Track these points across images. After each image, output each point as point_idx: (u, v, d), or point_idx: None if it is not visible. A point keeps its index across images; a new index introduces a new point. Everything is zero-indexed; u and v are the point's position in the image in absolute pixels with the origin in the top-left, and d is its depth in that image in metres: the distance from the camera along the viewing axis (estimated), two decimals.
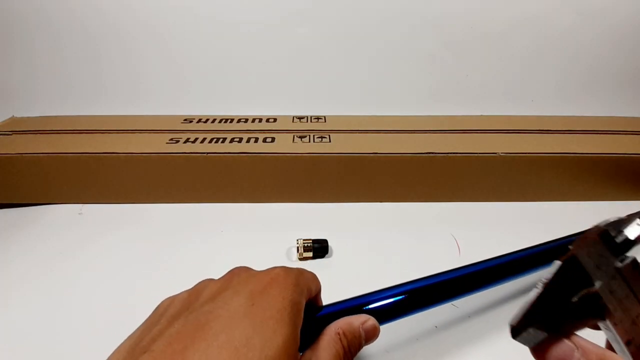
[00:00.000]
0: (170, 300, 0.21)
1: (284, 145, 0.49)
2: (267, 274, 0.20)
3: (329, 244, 0.42)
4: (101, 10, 0.63)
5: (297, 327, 0.19)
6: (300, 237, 0.41)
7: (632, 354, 0.15)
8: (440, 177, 0.49)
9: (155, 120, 0.57)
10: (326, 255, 0.41)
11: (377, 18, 0.64)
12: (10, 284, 0.38)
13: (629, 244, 0.15)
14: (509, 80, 0.69)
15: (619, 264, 0.15)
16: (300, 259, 0.41)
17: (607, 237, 0.16)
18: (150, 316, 0.21)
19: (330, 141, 0.51)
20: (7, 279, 0.39)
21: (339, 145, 0.49)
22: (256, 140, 0.50)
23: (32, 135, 0.52)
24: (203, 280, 0.22)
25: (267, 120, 0.58)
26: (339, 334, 0.21)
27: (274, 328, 0.17)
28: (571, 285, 0.16)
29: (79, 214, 0.48)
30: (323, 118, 0.59)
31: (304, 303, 0.21)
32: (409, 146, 0.49)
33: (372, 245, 0.43)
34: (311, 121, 0.58)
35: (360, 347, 0.22)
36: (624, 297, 0.15)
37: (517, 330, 0.16)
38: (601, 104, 0.67)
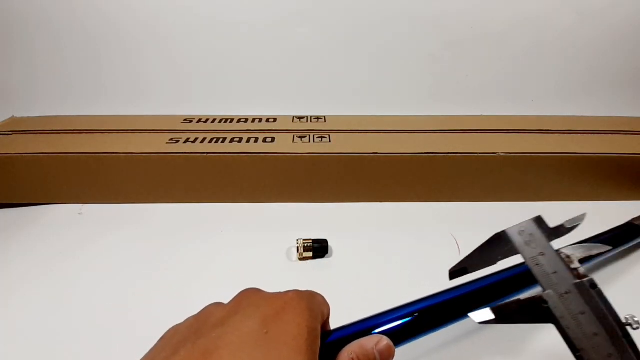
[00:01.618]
0: (176, 329, 0.20)
1: (284, 145, 0.49)
2: (280, 298, 0.19)
3: (329, 244, 0.42)
4: (101, 10, 0.63)
5: (315, 355, 0.18)
6: (300, 237, 0.41)
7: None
8: (440, 177, 0.49)
9: (155, 120, 0.57)
10: (326, 255, 0.41)
11: (377, 18, 0.64)
12: (10, 284, 0.38)
13: (564, 231, 0.21)
14: (509, 80, 0.69)
15: (548, 250, 0.20)
16: (300, 259, 0.41)
17: (541, 221, 0.21)
18: (154, 345, 0.20)
19: (330, 141, 0.51)
20: (7, 279, 0.39)
21: (339, 145, 0.49)
22: (256, 140, 0.50)
23: (32, 135, 0.52)
24: (210, 305, 0.21)
25: (267, 120, 0.58)
26: (352, 358, 0.20)
27: (288, 356, 0.16)
28: (499, 249, 0.21)
29: (79, 214, 0.48)
30: (323, 118, 0.59)
31: (320, 329, 0.19)
32: (409, 146, 0.49)
33: (372, 245, 0.43)
34: (311, 121, 0.58)
35: None
36: (550, 273, 0.20)
37: (453, 274, 0.22)
38: (601, 104, 0.67)
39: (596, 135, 0.54)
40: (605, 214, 0.41)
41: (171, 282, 0.38)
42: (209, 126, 0.55)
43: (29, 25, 0.64)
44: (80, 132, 0.53)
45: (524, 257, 0.20)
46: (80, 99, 0.66)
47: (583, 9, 0.64)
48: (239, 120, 0.57)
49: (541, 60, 0.67)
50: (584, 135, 0.54)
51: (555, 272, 0.19)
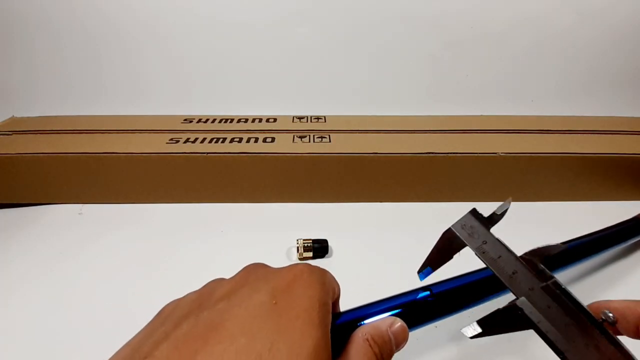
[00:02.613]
0: (176, 303, 0.18)
1: (284, 145, 0.49)
2: (289, 271, 0.18)
3: (329, 244, 0.42)
4: (101, 10, 0.63)
5: (328, 329, 0.16)
6: (300, 237, 0.41)
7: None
8: (440, 177, 0.49)
9: (155, 120, 0.57)
10: (326, 255, 0.41)
11: (377, 18, 0.64)
12: (10, 284, 0.38)
13: (497, 218, 0.23)
14: (509, 80, 0.69)
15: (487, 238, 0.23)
16: (300, 259, 0.41)
17: (476, 213, 0.24)
18: (151, 321, 0.18)
19: (330, 141, 0.51)
20: (7, 279, 0.39)
21: (339, 145, 0.49)
22: (256, 140, 0.50)
23: (32, 135, 0.52)
24: (213, 280, 0.20)
25: (267, 120, 0.58)
26: (367, 340, 0.18)
27: (302, 330, 0.15)
28: (449, 245, 0.23)
29: (79, 214, 0.48)
30: (323, 118, 0.59)
31: (331, 305, 0.18)
32: (409, 146, 0.49)
33: (372, 245, 0.43)
34: (311, 121, 0.58)
35: (392, 353, 0.19)
36: (496, 258, 0.22)
37: (420, 269, 0.24)
38: (601, 104, 0.67)
39: (596, 135, 0.54)
40: (605, 214, 0.41)
41: (171, 282, 0.38)
42: (209, 126, 0.55)
43: (29, 25, 0.64)
44: (80, 132, 0.53)
45: (471, 248, 0.22)
46: (80, 99, 0.66)
47: (583, 9, 0.64)
48: (239, 120, 0.57)
49: (541, 60, 0.67)
50: (584, 135, 0.54)
51: (500, 257, 0.21)
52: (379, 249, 0.42)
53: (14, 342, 0.32)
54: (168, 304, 0.19)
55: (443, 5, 0.63)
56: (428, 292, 0.24)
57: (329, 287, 0.19)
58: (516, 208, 0.54)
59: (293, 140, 0.51)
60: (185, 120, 0.57)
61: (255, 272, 0.19)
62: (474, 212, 0.24)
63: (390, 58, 0.67)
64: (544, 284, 0.19)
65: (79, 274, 0.39)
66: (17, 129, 0.54)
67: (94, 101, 0.66)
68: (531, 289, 0.20)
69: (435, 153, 0.48)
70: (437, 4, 0.63)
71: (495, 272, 0.21)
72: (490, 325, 0.20)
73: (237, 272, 0.20)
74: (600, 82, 0.68)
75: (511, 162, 0.48)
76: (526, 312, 0.19)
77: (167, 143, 0.49)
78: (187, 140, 0.50)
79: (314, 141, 0.50)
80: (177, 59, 0.66)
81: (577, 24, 0.64)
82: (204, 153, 0.47)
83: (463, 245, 0.23)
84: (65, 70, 0.66)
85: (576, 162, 0.49)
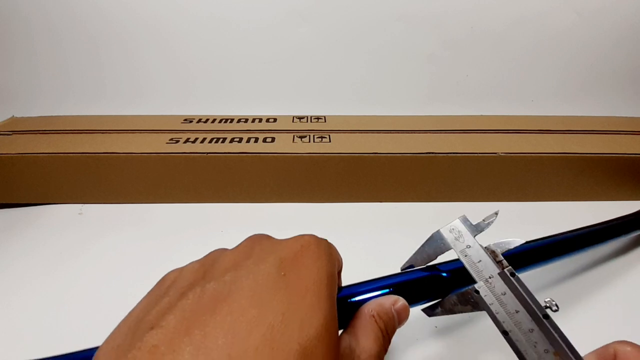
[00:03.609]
0: (178, 272, 0.18)
1: (284, 145, 0.49)
2: (296, 242, 0.18)
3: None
4: (101, 10, 0.63)
5: (335, 301, 0.17)
6: None
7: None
8: (440, 177, 0.49)
9: (155, 120, 0.57)
10: None
11: (377, 18, 0.64)
12: (10, 284, 0.38)
13: (484, 226, 0.25)
14: (508, 80, 0.69)
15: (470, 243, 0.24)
16: None
17: (465, 220, 0.26)
18: (152, 289, 0.18)
19: (330, 141, 0.51)
20: (7, 279, 0.39)
21: (339, 145, 0.49)
22: (256, 140, 0.50)
23: (32, 135, 0.52)
24: (215, 250, 0.19)
25: (267, 120, 0.58)
26: (373, 316, 0.19)
27: (312, 302, 0.15)
28: (435, 246, 0.25)
29: (79, 214, 0.48)
30: (323, 118, 0.59)
31: (337, 277, 0.19)
32: (409, 146, 0.49)
33: (372, 245, 0.43)
34: (311, 121, 0.58)
35: (394, 329, 0.20)
36: (476, 262, 0.24)
37: (403, 267, 0.26)
38: (601, 104, 0.67)
39: (596, 135, 0.54)
40: (605, 214, 0.41)
41: None
42: (209, 126, 0.55)
43: (29, 25, 0.64)
44: (80, 132, 0.53)
45: (455, 251, 0.25)
46: (80, 99, 0.67)
47: (583, 9, 0.64)
48: (239, 120, 0.57)
49: (541, 60, 0.67)
50: (584, 135, 0.54)
51: (480, 261, 0.23)
52: (378, 249, 0.42)
53: (14, 342, 0.32)
54: (169, 273, 0.19)
55: (443, 5, 0.63)
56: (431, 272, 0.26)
57: (334, 259, 0.19)
58: (516, 208, 0.54)
59: (293, 140, 0.51)
60: (185, 120, 0.57)
61: (260, 242, 0.18)
62: (464, 219, 0.26)
63: (390, 58, 0.67)
64: (501, 271, 0.23)
65: (79, 274, 0.39)
66: (17, 129, 0.54)
67: (94, 101, 0.66)
68: (490, 277, 0.23)
69: (435, 153, 0.48)
70: (438, 4, 0.63)
71: (470, 270, 0.24)
72: (449, 306, 0.24)
73: (240, 243, 0.19)
74: (600, 82, 0.68)
75: (511, 162, 0.48)
76: (482, 294, 0.22)
77: (167, 143, 0.49)
78: (187, 140, 0.50)
79: (314, 141, 0.50)
80: (177, 59, 0.66)
81: (577, 24, 0.64)
82: (204, 153, 0.47)
83: (448, 248, 0.25)
84: (66, 70, 0.66)
85: (576, 162, 0.49)
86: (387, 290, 0.23)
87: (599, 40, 0.65)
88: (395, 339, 0.32)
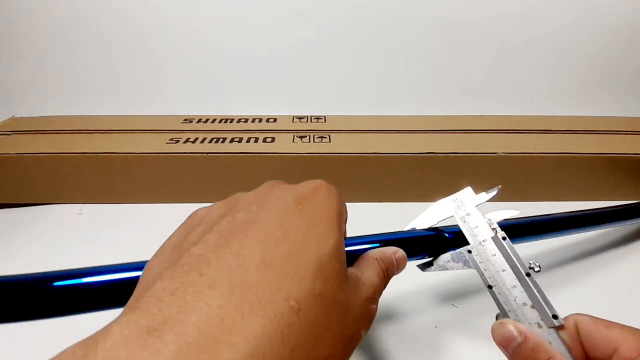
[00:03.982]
0: (207, 209, 0.21)
1: (284, 145, 0.49)
2: (310, 184, 0.21)
3: None
4: (102, 10, 0.63)
5: (342, 235, 0.19)
6: None
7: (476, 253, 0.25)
8: (440, 177, 0.49)
9: (155, 120, 0.57)
10: None
11: (377, 18, 0.64)
12: None
13: (485, 197, 0.28)
14: (509, 80, 0.69)
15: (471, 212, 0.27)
16: None
17: (469, 192, 0.28)
18: (184, 223, 0.21)
19: (330, 141, 0.51)
20: None
21: (339, 145, 0.49)
22: (256, 140, 0.50)
23: (32, 135, 0.52)
24: (236, 193, 0.22)
25: (267, 120, 0.58)
26: (377, 259, 0.22)
27: (325, 230, 0.18)
28: (437, 212, 0.29)
29: (79, 214, 0.48)
30: (323, 118, 0.59)
31: (345, 217, 0.22)
32: (409, 146, 0.49)
33: None
34: (311, 121, 0.58)
35: (392, 273, 0.23)
36: (473, 227, 0.26)
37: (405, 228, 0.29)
38: (601, 104, 0.67)
39: (596, 135, 0.54)
40: None
41: None
42: (209, 126, 0.55)
43: (29, 25, 0.64)
44: (80, 132, 0.53)
45: (455, 217, 0.27)
46: (80, 99, 0.67)
47: (583, 9, 0.64)
48: (239, 120, 0.57)
49: (541, 60, 0.67)
50: (584, 135, 0.54)
51: (477, 227, 0.26)
52: None
53: (14, 342, 0.32)
54: (197, 210, 0.21)
55: (443, 5, 0.63)
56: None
57: (343, 203, 0.22)
58: (516, 208, 0.54)
59: (293, 140, 0.51)
60: (185, 120, 0.57)
61: (277, 186, 0.21)
62: (467, 191, 0.28)
63: (390, 58, 0.67)
64: (494, 235, 0.25)
65: None
66: (17, 129, 0.54)
67: (94, 101, 0.66)
68: (484, 240, 0.25)
69: (435, 153, 0.48)
70: (438, 4, 0.63)
71: (466, 234, 0.26)
72: (444, 262, 0.26)
73: (256, 189, 0.22)
74: (600, 82, 0.68)
75: (511, 162, 0.48)
76: (474, 254, 0.25)
77: (167, 143, 0.49)
78: (187, 140, 0.50)
79: (314, 141, 0.50)
80: (177, 59, 0.66)
81: (577, 24, 0.64)
82: (204, 153, 0.47)
83: (449, 215, 0.28)
84: (66, 71, 0.66)
85: (576, 162, 0.49)
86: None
87: (599, 40, 0.65)
88: (396, 339, 0.32)
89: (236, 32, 0.65)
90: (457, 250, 0.26)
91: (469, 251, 0.25)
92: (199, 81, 0.68)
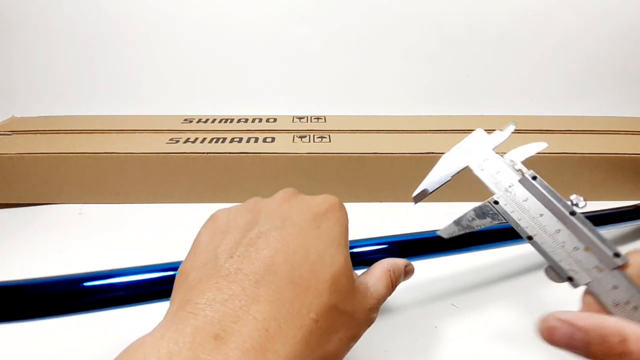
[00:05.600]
0: (227, 213, 0.23)
1: (284, 145, 0.49)
2: (324, 201, 0.23)
3: None
4: (102, 10, 0.63)
5: (348, 249, 0.22)
6: None
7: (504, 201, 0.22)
8: None
9: (155, 120, 0.57)
10: None
11: (376, 18, 0.64)
12: None
13: (501, 137, 0.24)
14: (509, 80, 0.69)
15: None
16: None
17: (482, 134, 0.24)
18: (208, 226, 0.23)
19: (330, 141, 0.51)
20: (6, 279, 0.38)
21: (339, 145, 0.49)
22: (256, 140, 0.50)
23: (32, 135, 0.52)
24: (252, 199, 0.25)
25: (267, 120, 0.58)
26: (389, 270, 0.24)
27: (337, 249, 0.20)
28: (449, 166, 0.25)
29: (79, 214, 0.48)
30: (323, 118, 0.59)
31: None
32: (409, 146, 0.49)
33: None
34: (311, 121, 0.58)
35: (399, 283, 0.25)
36: (494, 174, 0.23)
37: (416, 197, 0.27)
38: (601, 104, 0.67)
39: (596, 135, 0.54)
40: None
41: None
42: (209, 126, 0.55)
43: (29, 26, 0.64)
44: (80, 132, 0.53)
45: (471, 167, 0.23)
46: (80, 99, 0.67)
47: (583, 9, 0.64)
48: (239, 120, 0.57)
49: (541, 60, 0.67)
50: (584, 135, 0.54)
51: (498, 172, 0.22)
52: None
53: (14, 342, 0.32)
54: (218, 212, 0.24)
55: (443, 5, 0.63)
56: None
57: (347, 217, 0.24)
58: None
59: (293, 140, 0.51)
60: (185, 120, 0.57)
61: (295, 197, 0.24)
62: (479, 132, 0.24)
63: (390, 58, 0.67)
64: (522, 177, 0.22)
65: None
66: (17, 129, 0.54)
67: (95, 101, 0.66)
68: (510, 185, 0.22)
69: (435, 153, 0.48)
70: (438, 4, 0.63)
71: (487, 184, 0.22)
72: (466, 223, 0.23)
73: (275, 195, 0.25)
74: (600, 82, 0.68)
75: None
76: (502, 204, 0.21)
77: (167, 143, 0.49)
78: (187, 140, 0.50)
79: (314, 141, 0.50)
80: (177, 59, 0.66)
81: (577, 24, 0.64)
82: (204, 153, 0.47)
83: (462, 166, 0.24)
84: (66, 70, 0.66)
85: (576, 162, 0.48)
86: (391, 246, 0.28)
87: (599, 40, 0.65)
88: (396, 338, 0.32)
89: (236, 32, 0.65)
90: (481, 204, 0.22)
91: (496, 202, 0.22)
92: (199, 81, 0.68)
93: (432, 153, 0.48)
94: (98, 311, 0.24)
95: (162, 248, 0.43)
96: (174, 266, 0.23)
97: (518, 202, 0.21)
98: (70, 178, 0.48)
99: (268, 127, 0.55)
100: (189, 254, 0.22)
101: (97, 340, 0.31)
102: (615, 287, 0.17)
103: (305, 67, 0.67)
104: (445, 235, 0.24)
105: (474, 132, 0.24)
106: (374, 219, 0.48)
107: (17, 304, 0.23)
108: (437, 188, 0.26)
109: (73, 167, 0.47)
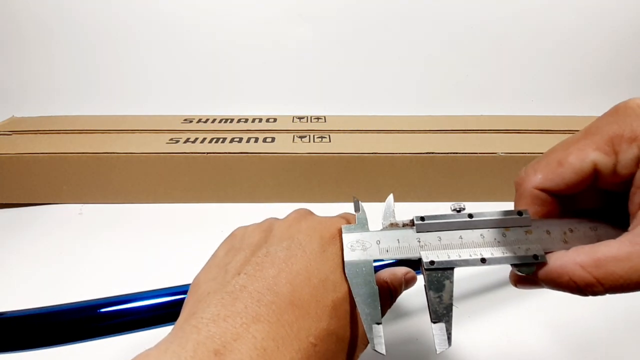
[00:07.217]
0: (244, 230, 0.24)
1: (284, 145, 0.49)
2: (332, 225, 0.23)
3: None
4: (101, 10, 0.63)
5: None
6: None
7: None
8: (440, 177, 0.49)
9: (155, 120, 0.57)
10: None
11: (376, 18, 0.64)
12: (10, 284, 0.38)
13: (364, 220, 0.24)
14: (509, 80, 0.69)
15: None
16: None
17: (351, 228, 0.23)
18: (227, 242, 0.24)
19: (330, 141, 0.51)
20: (7, 279, 0.39)
21: (339, 145, 0.49)
22: (256, 140, 0.50)
23: (32, 135, 0.52)
24: (269, 218, 0.25)
25: (267, 120, 0.58)
26: (386, 281, 0.24)
27: (341, 276, 0.20)
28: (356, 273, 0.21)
29: (79, 214, 0.48)
30: (323, 118, 0.59)
31: None
32: (409, 146, 0.49)
33: None
34: (311, 121, 0.58)
35: (399, 293, 0.25)
36: (396, 247, 0.22)
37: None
38: (601, 104, 0.67)
39: None
40: None
41: (171, 282, 0.38)
42: (209, 126, 0.55)
43: (29, 26, 0.64)
44: (80, 132, 0.53)
45: (369, 261, 0.21)
46: (80, 99, 0.67)
47: (583, 9, 0.64)
48: (239, 120, 0.57)
49: (541, 60, 0.67)
50: None
51: (398, 240, 0.22)
52: None
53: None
54: (237, 230, 0.25)
55: (443, 5, 0.63)
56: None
57: None
58: None
59: (293, 140, 0.51)
60: (185, 120, 0.57)
61: (305, 218, 0.24)
62: (347, 228, 0.23)
63: (390, 58, 0.67)
64: (413, 225, 0.22)
65: (79, 273, 0.39)
66: (17, 129, 0.54)
67: (94, 101, 0.66)
68: (418, 240, 0.21)
69: (435, 153, 0.48)
70: (437, 4, 0.63)
71: (403, 258, 0.21)
72: (437, 304, 0.20)
73: (289, 214, 0.25)
74: (600, 82, 0.68)
75: (511, 162, 0.48)
76: (434, 258, 0.20)
77: (167, 143, 0.49)
78: (187, 140, 0.50)
79: (314, 141, 0.50)
80: (177, 59, 0.66)
81: (576, 24, 0.64)
82: (204, 153, 0.47)
83: (369, 262, 0.21)
84: (66, 70, 0.66)
85: None
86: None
87: (599, 40, 0.65)
88: (396, 338, 0.32)
89: (236, 32, 0.65)
90: (425, 280, 0.20)
91: (432, 262, 0.20)
92: (199, 81, 0.68)
93: (432, 153, 0.48)
94: (114, 336, 0.24)
95: (162, 248, 0.43)
96: (186, 289, 0.23)
97: (438, 245, 0.20)
98: (70, 178, 0.48)
99: (268, 127, 0.55)
100: (205, 265, 0.23)
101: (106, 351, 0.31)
102: (548, 233, 0.18)
103: (305, 67, 0.67)
104: (449, 345, 0.20)
105: (343, 232, 0.22)
106: (373, 219, 0.48)
107: (37, 332, 0.24)
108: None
109: (73, 167, 0.47)
